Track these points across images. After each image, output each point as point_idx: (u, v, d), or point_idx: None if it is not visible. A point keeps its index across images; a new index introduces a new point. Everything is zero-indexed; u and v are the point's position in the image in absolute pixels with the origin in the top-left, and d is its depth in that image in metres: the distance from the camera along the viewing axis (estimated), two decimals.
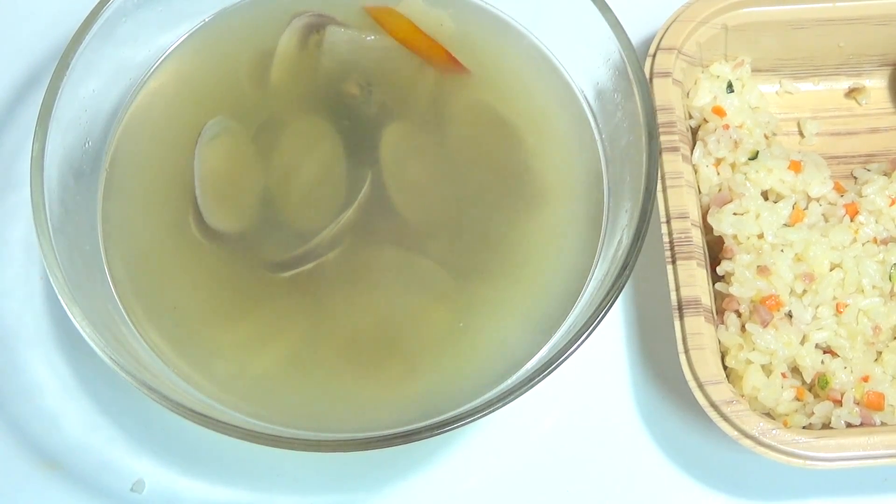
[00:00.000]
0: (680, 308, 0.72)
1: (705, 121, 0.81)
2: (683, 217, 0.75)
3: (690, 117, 0.82)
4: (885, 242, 0.76)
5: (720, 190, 0.78)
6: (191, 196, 0.70)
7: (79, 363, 0.77)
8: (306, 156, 0.73)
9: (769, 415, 0.72)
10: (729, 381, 0.71)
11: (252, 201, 0.71)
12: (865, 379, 0.72)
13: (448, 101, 0.74)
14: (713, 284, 0.75)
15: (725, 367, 0.73)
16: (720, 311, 0.75)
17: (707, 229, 0.77)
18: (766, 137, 0.81)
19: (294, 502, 0.74)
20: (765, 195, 0.77)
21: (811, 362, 0.72)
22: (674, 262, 0.74)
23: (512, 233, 0.71)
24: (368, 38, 0.75)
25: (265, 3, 0.78)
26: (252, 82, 0.75)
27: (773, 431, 0.69)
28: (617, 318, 0.79)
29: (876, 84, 0.86)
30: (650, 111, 0.67)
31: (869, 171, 0.80)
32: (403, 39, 0.75)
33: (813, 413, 0.71)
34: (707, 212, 0.77)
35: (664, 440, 0.76)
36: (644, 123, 0.67)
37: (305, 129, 0.73)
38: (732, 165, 0.78)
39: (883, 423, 0.71)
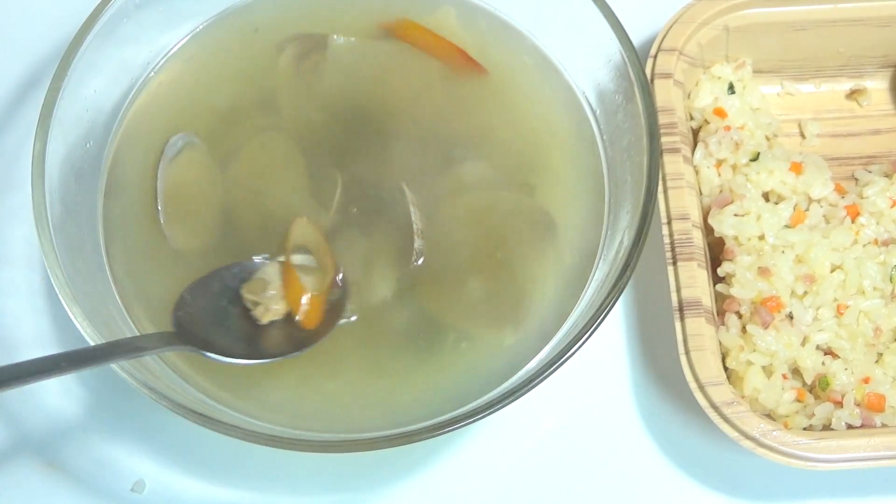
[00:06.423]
0: (681, 309, 0.72)
1: (706, 122, 0.81)
2: (684, 218, 0.75)
3: (691, 118, 0.82)
4: (885, 244, 0.76)
5: (721, 191, 0.78)
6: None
7: None
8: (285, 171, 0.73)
9: (770, 416, 0.72)
10: (729, 383, 0.71)
11: (217, 220, 0.71)
12: (866, 380, 0.72)
13: (456, 102, 0.74)
14: (714, 286, 0.75)
15: (726, 369, 0.73)
16: (721, 313, 0.75)
17: (708, 230, 0.77)
18: (768, 139, 0.81)
19: (294, 502, 0.74)
20: (766, 196, 0.77)
21: (812, 364, 0.72)
22: (675, 264, 0.73)
23: (511, 233, 0.71)
24: (374, 44, 0.75)
25: (267, 4, 0.78)
26: (254, 98, 0.75)
27: (774, 433, 0.69)
28: (618, 320, 0.79)
29: (877, 85, 0.86)
30: (651, 112, 0.67)
31: (870, 172, 0.80)
32: (419, 44, 0.75)
33: (813, 414, 0.71)
34: (708, 213, 0.77)
35: (665, 441, 0.76)
36: (645, 124, 0.67)
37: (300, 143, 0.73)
38: (733, 167, 0.78)
39: (883, 425, 0.71)
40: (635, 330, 0.79)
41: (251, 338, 0.67)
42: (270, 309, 0.67)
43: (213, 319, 0.66)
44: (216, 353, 0.64)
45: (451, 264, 0.70)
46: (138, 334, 0.66)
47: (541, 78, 0.76)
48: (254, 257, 0.69)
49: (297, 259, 0.68)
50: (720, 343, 0.73)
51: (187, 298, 0.66)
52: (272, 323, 0.67)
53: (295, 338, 0.67)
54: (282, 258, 0.68)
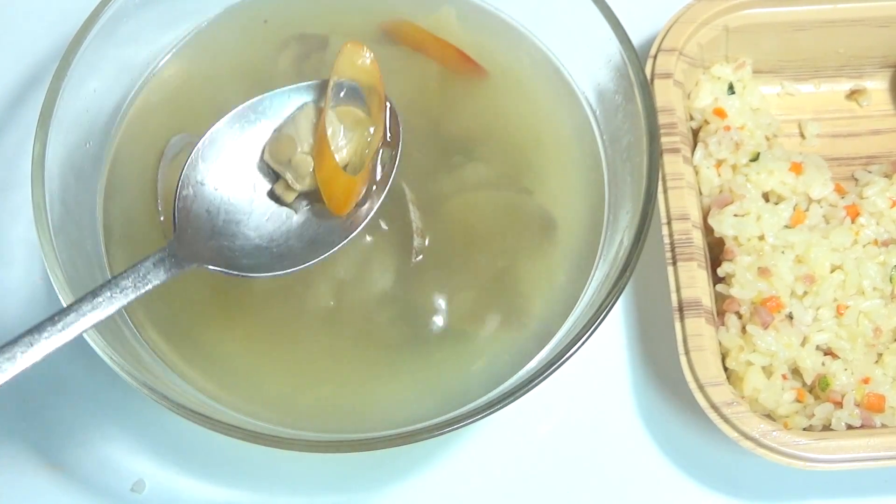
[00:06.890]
0: (681, 309, 0.72)
1: (706, 122, 0.81)
2: (684, 218, 0.75)
3: (691, 119, 0.82)
4: (885, 244, 0.76)
5: (721, 191, 0.78)
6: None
7: (79, 363, 0.77)
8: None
9: (770, 416, 0.72)
10: (729, 383, 0.71)
11: None
12: (866, 381, 0.72)
13: (455, 103, 0.74)
14: (714, 286, 0.75)
15: (726, 369, 0.73)
16: (721, 313, 0.75)
17: (708, 231, 0.77)
18: (767, 139, 0.81)
19: (294, 502, 0.74)
20: (766, 197, 0.77)
21: (812, 364, 0.72)
22: (674, 264, 0.74)
23: (511, 233, 0.71)
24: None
25: (268, 5, 0.78)
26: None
27: (774, 433, 0.69)
28: (617, 320, 0.79)
29: (877, 86, 0.86)
30: (651, 112, 0.67)
31: (870, 172, 0.80)
32: (419, 46, 0.75)
33: (813, 415, 0.71)
34: (708, 213, 0.77)
35: (664, 441, 0.76)
36: (645, 125, 0.67)
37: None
38: (733, 167, 0.78)
39: (883, 425, 0.71)
40: (635, 330, 0.79)
41: (268, 230, 0.59)
42: (296, 183, 0.57)
43: (223, 205, 0.60)
44: (222, 267, 0.59)
45: (450, 263, 0.70)
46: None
47: (541, 78, 0.76)
48: (285, 87, 0.59)
49: (341, 96, 0.56)
50: (720, 343, 0.73)
51: (199, 168, 0.58)
52: (297, 202, 0.59)
53: (323, 228, 0.60)
54: (321, 101, 0.58)
